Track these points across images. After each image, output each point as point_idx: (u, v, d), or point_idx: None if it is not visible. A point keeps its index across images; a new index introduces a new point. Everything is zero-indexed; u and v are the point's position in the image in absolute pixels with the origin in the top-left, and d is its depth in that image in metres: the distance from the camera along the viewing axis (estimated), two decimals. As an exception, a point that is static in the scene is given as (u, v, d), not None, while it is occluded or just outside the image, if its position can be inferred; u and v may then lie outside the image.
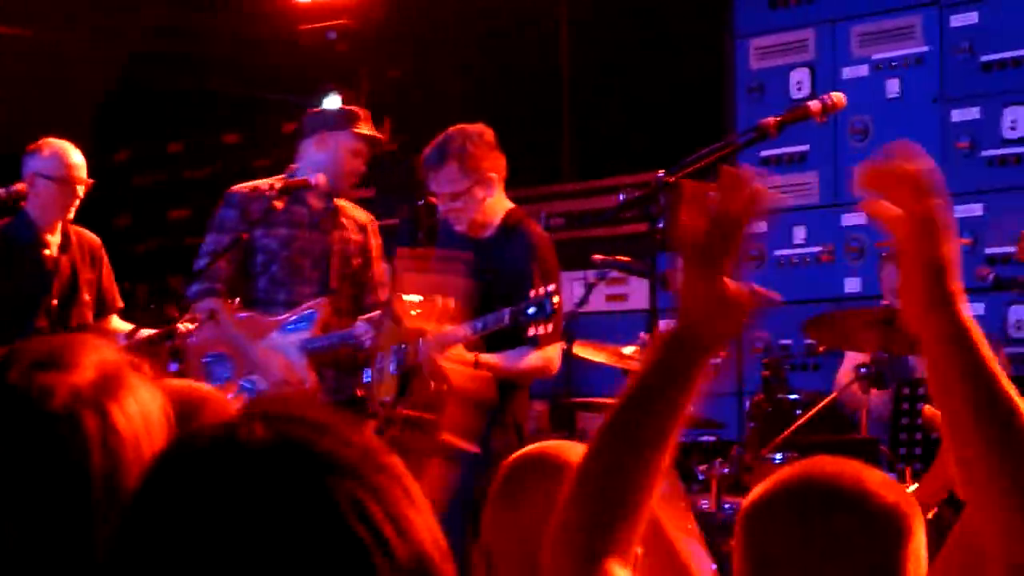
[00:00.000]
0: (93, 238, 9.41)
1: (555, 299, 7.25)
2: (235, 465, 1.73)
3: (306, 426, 1.79)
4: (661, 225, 7.08)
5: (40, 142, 9.19)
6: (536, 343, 7.54)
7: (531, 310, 7.32)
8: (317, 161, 8.79)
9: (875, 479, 2.89)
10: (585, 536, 2.79)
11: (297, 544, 1.70)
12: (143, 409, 2.40)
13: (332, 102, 11.53)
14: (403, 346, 7.76)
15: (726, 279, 2.78)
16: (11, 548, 2.29)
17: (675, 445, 2.80)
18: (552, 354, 7.91)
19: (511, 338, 7.63)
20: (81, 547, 2.16)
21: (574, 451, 3.81)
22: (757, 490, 2.93)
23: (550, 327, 7.34)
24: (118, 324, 9.35)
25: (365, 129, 8.86)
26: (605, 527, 2.77)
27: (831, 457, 2.96)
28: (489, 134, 8.03)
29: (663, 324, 3.02)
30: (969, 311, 2.75)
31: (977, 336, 2.71)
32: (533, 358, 7.81)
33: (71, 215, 9.13)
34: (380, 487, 1.76)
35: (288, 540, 1.70)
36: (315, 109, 9.31)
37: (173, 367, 8.13)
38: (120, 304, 9.49)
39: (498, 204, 8.08)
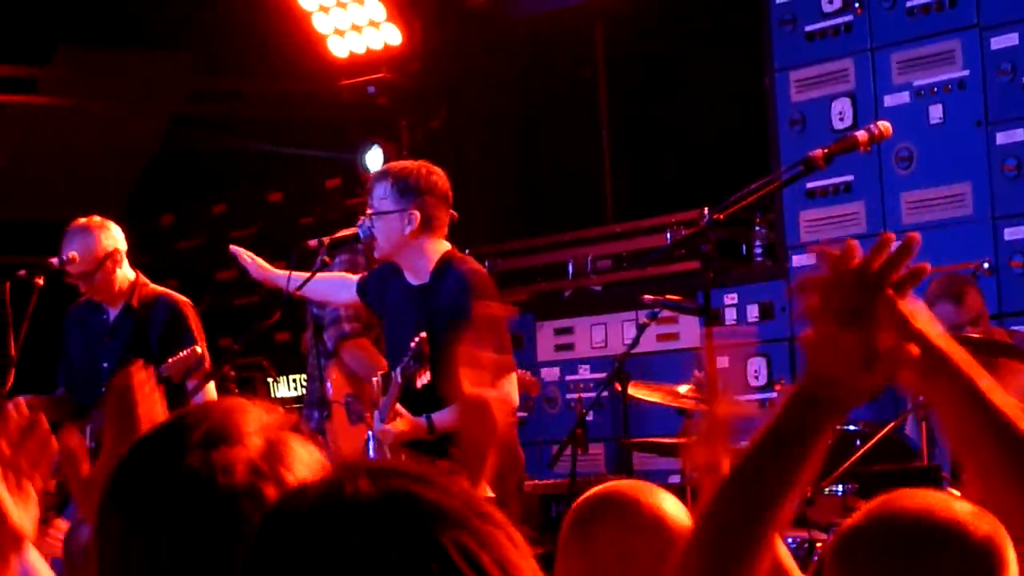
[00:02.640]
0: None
1: (424, 347, 7.20)
2: (344, 521, 1.79)
3: (408, 479, 1.83)
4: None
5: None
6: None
7: (411, 362, 7.26)
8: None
9: (966, 511, 2.87)
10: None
11: None
12: (308, 470, 2.41)
13: (374, 156, 11.54)
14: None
15: (875, 335, 2.74)
16: None
17: (797, 497, 2.78)
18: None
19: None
20: None
21: (643, 491, 3.81)
22: (847, 525, 2.93)
23: (427, 375, 7.26)
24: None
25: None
26: (724, 568, 2.76)
27: (919, 490, 2.95)
28: (444, 182, 7.87)
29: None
30: (968, 362, 2.75)
31: (985, 386, 2.72)
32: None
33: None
34: (486, 534, 1.80)
35: None
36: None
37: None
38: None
39: (434, 247, 7.88)
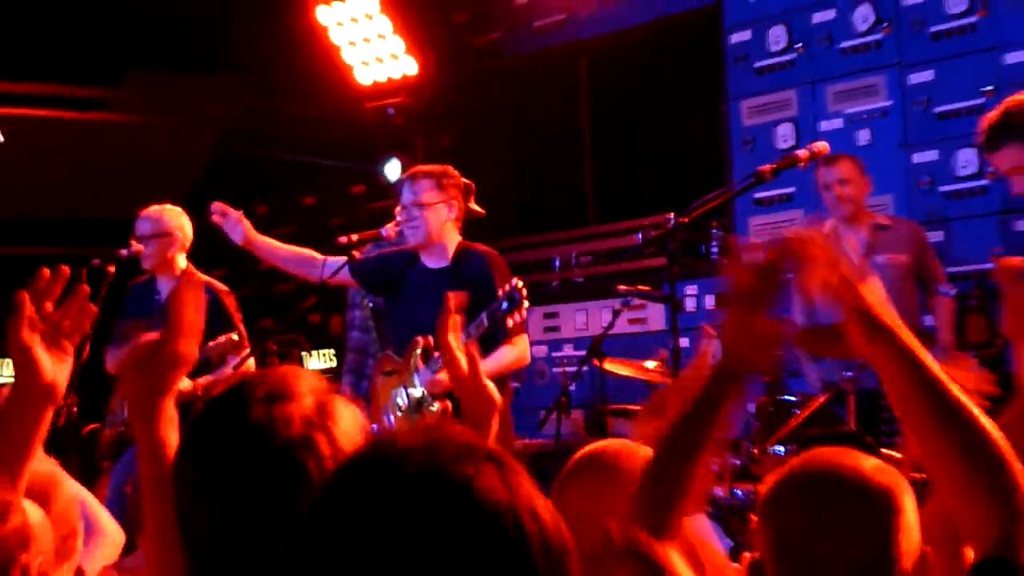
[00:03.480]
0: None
1: (523, 290, 7.16)
2: (395, 484, 1.81)
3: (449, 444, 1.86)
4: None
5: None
6: (507, 336, 7.49)
7: (504, 304, 7.23)
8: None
9: (870, 465, 2.89)
10: (649, 511, 2.87)
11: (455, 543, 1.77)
12: (352, 425, 2.44)
13: (393, 167, 11.57)
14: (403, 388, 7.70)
15: (765, 319, 2.87)
16: (254, 541, 2.35)
17: (717, 451, 2.89)
18: (523, 345, 7.64)
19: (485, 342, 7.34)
20: None
21: (626, 451, 3.85)
22: (773, 478, 2.94)
23: (524, 314, 7.24)
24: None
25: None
26: (662, 517, 2.86)
27: (834, 448, 2.97)
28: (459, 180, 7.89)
29: (712, 347, 3.05)
30: (909, 336, 2.79)
31: (922, 355, 2.75)
32: (511, 352, 7.66)
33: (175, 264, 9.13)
34: (516, 483, 1.84)
35: (446, 538, 1.77)
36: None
37: None
38: None
39: (452, 235, 7.85)
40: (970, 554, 2.77)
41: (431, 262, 7.86)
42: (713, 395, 2.90)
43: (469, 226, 8.22)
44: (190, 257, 9.22)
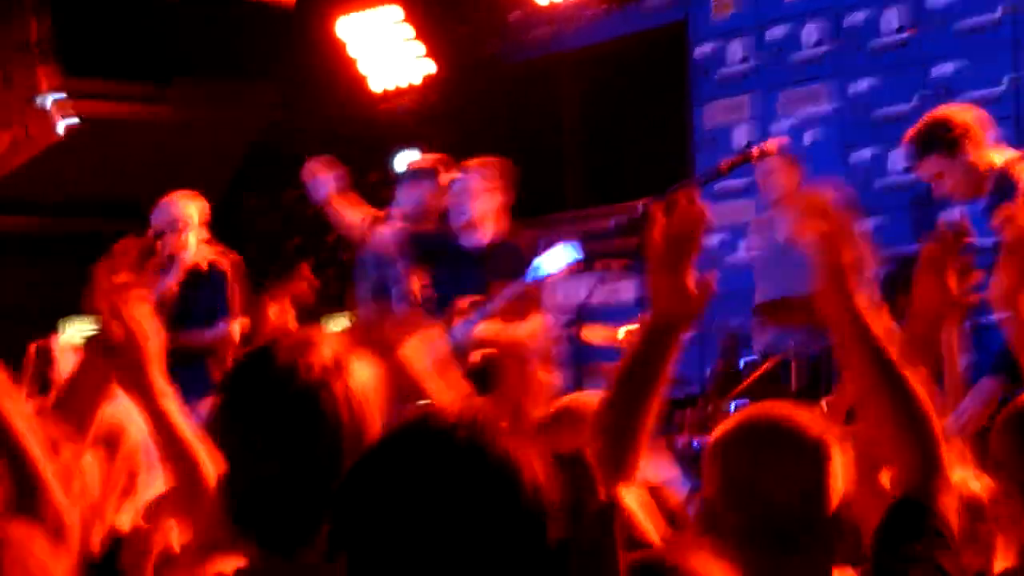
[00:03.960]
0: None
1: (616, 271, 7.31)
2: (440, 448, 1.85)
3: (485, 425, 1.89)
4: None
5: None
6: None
7: (602, 276, 7.39)
8: (406, 204, 8.78)
9: (804, 417, 2.88)
10: (601, 464, 2.89)
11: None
12: (366, 378, 2.47)
13: (402, 160, 11.56)
14: None
15: (685, 277, 2.86)
16: (280, 480, 2.39)
17: (663, 397, 2.89)
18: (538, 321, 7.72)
19: None
20: (332, 478, 2.14)
21: (593, 403, 3.88)
22: (720, 428, 2.94)
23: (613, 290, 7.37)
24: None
25: (445, 178, 8.87)
26: (617, 457, 2.89)
27: (772, 402, 2.98)
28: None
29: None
30: (865, 302, 2.79)
31: (874, 322, 2.75)
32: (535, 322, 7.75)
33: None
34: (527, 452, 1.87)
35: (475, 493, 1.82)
36: (411, 163, 9.30)
37: None
38: None
39: (491, 221, 8.01)
40: (885, 480, 2.80)
41: (471, 242, 7.96)
42: (648, 350, 2.89)
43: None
44: (224, 236, 9.16)
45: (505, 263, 7.65)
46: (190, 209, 9.08)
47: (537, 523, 1.82)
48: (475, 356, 7.51)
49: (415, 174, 8.91)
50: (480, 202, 7.91)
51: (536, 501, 1.83)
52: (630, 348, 2.94)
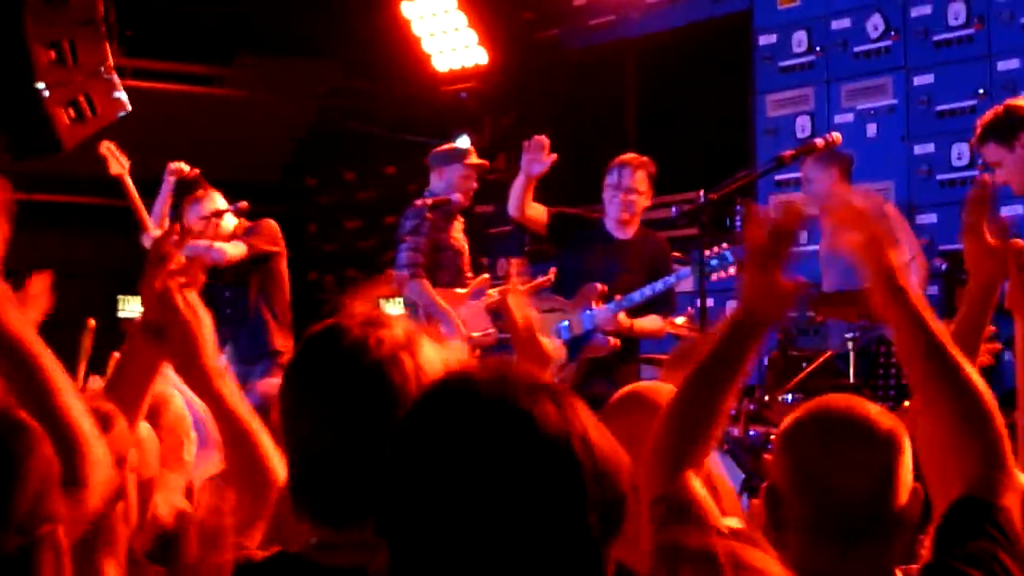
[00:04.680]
0: None
1: (734, 255, 7.47)
2: (466, 410, 1.83)
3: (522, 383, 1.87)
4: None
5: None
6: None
7: (715, 261, 7.52)
8: (439, 188, 8.90)
9: (875, 410, 2.87)
10: (673, 452, 2.89)
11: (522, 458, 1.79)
12: (434, 355, 2.48)
13: (463, 141, 11.57)
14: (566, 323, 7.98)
15: (778, 276, 2.88)
16: (345, 454, 2.39)
17: (738, 391, 2.92)
18: (661, 327, 8.15)
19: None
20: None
21: (659, 390, 3.87)
22: (789, 419, 2.93)
23: (732, 270, 7.52)
24: None
25: (473, 159, 8.99)
26: (687, 447, 2.89)
27: (843, 394, 2.97)
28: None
29: (729, 305, 3.06)
30: (922, 298, 2.82)
31: (929, 317, 2.79)
32: (654, 323, 7.99)
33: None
34: (571, 414, 1.84)
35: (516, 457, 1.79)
36: (435, 150, 9.31)
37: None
38: None
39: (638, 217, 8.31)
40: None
41: (619, 233, 8.26)
42: (731, 344, 2.91)
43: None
44: (285, 214, 9.25)
45: (649, 255, 7.87)
46: (213, 197, 9.27)
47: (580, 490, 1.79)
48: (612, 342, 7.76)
49: (446, 157, 9.00)
50: (642, 198, 8.15)
51: (581, 465, 1.79)
52: (711, 340, 2.96)
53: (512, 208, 8.43)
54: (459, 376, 1.89)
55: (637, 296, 7.90)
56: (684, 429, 2.90)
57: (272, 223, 9.49)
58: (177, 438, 4.00)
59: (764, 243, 2.89)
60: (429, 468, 1.81)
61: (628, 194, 8.13)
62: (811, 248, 9.45)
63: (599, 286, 7.94)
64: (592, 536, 1.79)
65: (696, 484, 2.85)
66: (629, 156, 8.31)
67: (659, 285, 7.75)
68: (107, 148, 9.42)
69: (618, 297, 8.01)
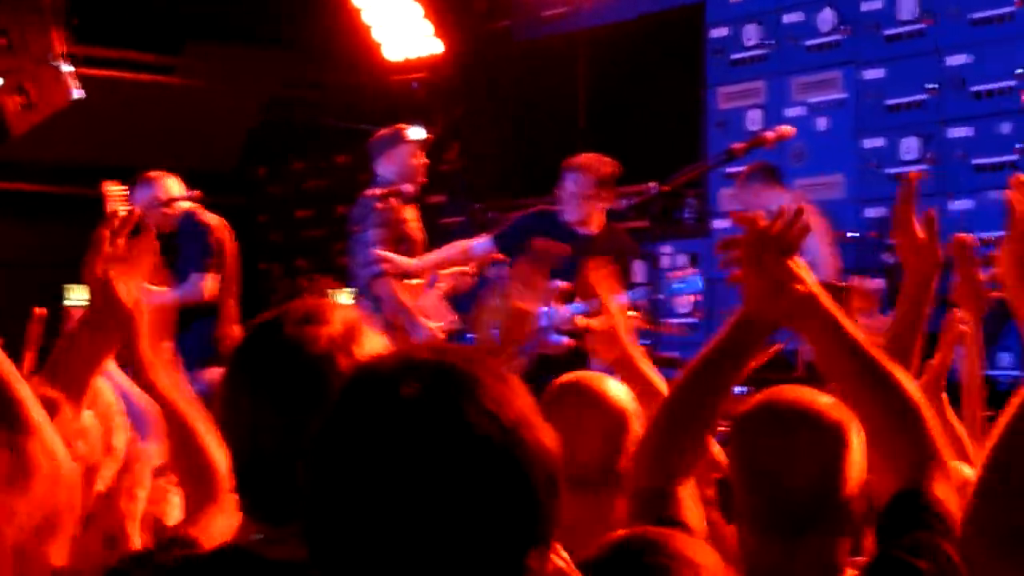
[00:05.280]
0: None
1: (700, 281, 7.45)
2: (407, 376, 1.74)
3: (454, 352, 1.80)
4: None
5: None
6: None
7: (674, 286, 7.48)
8: (391, 172, 8.86)
9: (825, 402, 2.87)
10: (662, 452, 2.89)
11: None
12: (377, 348, 2.41)
13: (417, 132, 11.54)
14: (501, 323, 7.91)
15: (782, 281, 2.85)
16: (280, 451, 2.31)
17: (730, 394, 2.91)
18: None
19: None
20: None
21: (602, 380, 3.87)
22: (742, 409, 2.92)
23: (699, 297, 7.51)
24: None
25: (410, 135, 8.97)
26: (677, 447, 2.88)
27: (795, 386, 2.96)
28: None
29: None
30: (832, 301, 2.81)
31: (841, 319, 2.78)
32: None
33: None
34: (501, 388, 1.76)
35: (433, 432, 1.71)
36: (371, 140, 9.25)
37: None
38: None
39: (598, 214, 8.27)
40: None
41: (583, 229, 8.22)
42: (733, 344, 2.91)
43: (478, 185, 8.36)
44: (235, 205, 9.17)
45: (616, 251, 7.85)
46: (169, 184, 9.16)
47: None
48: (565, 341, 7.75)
49: (389, 141, 8.96)
50: (593, 200, 8.17)
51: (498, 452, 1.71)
52: (709, 342, 2.95)
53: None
54: (370, 370, 1.82)
55: (599, 303, 7.85)
56: (676, 428, 2.91)
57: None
58: (107, 425, 3.98)
59: (758, 246, 2.87)
60: (339, 467, 1.74)
61: (574, 199, 8.11)
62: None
63: (561, 284, 7.91)
64: (514, 533, 1.72)
65: (685, 490, 2.86)
66: (578, 159, 8.27)
67: (636, 294, 7.70)
68: (109, 190, 9.19)
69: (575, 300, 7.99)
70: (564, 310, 7.86)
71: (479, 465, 1.70)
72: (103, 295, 3.00)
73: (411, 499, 1.68)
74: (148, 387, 2.96)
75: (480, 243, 8.34)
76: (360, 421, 1.75)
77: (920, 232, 3.53)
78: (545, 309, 7.94)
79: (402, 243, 8.82)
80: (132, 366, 2.97)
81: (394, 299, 8.51)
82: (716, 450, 3.49)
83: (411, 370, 1.75)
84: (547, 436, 1.78)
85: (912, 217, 3.56)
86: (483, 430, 1.71)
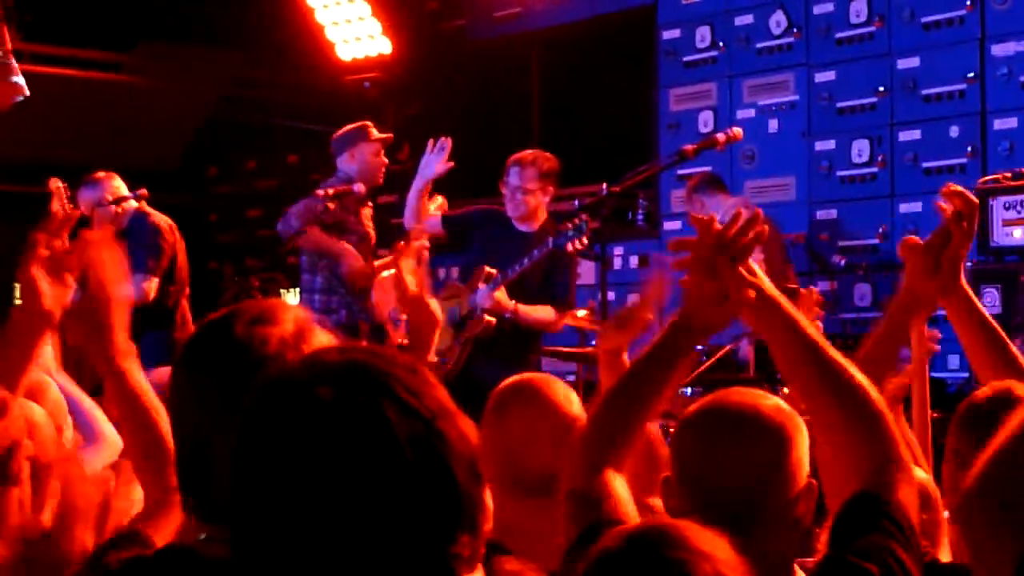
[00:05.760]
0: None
1: (589, 223, 7.37)
2: (319, 378, 1.73)
3: (365, 352, 1.79)
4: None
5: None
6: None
7: (571, 232, 7.43)
8: (352, 170, 8.88)
9: (768, 404, 2.86)
10: (595, 451, 2.88)
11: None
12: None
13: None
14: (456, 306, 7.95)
15: (727, 286, 2.86)
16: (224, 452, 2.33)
17: (666, 394, 2.91)
18: (551, 314, 7.98)
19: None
20: None
21: (549, 383, 3.86)
22: (687, 412, 2.92)
23: (585, 242, 7.43)
24: None
25: (376, 133, 9.00)
26: (609, 446, 2.88)
27: (742, 389, 2.95)
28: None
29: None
30: (790, 306, 2.83)
31: (803, 323, 2.80)
32: (545, 312, 7.92)
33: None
34: (417, 381, 1.75)
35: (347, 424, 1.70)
36: (337, 134, 9.24)
37: None
38: None
39: (542, 210, 8.17)
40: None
41: (523, 227, 8.11)
42: (667, 349, 2.91)
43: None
44: (184, 205, 9.15)
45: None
46: (115, 183, 9.15)
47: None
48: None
49: (353, 137, 8.99)
50: (533, 196, 8.05)
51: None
52: (647, 346, 2.95)
53: (409, 219, 8.39)
54: (282, 375, 1.80)
55: (510, 272, 7.88)
56: (610, 428, 2.90)
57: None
58: (56, 424, 3.95)
59: (711, 250, 2.87)
60: (261, 474, 1.72)
61: (517, 193, 8.10)
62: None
63: (486, 268, 7.94)
64: (439, 524, 1.71)
65: (617, 483, 2.84)
66: (521, 154, 8.28)
67: (526, 260, 7.74)
68: (57, 187, 9.09)
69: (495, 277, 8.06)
70: (482, 289, 7.90)
71: (400, 459, 1.68)
72: (28, 291, 3.03)
73: (336, 497, 1.67)
74: (118, 376, 2.96)
75: (431, 221, 8.36)
76: (278, 427, 1.73)
77: (944, 267, 3.46)
78: (473, 293, 7.99)
79: (349, 235, 8.85)
80: (103, 356, 2.97)
81: (327, 245, 8.66)
82: (664, 452, 3.49)
83: (324, 371, 1.74)
84: (465, 424, 1.77)
85: (938, 244, 3.47)
86: (401, 425, 1.70)
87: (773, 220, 8.92)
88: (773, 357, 2.87)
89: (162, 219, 9.21)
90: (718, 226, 2.89)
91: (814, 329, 2.82)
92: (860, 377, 2.74)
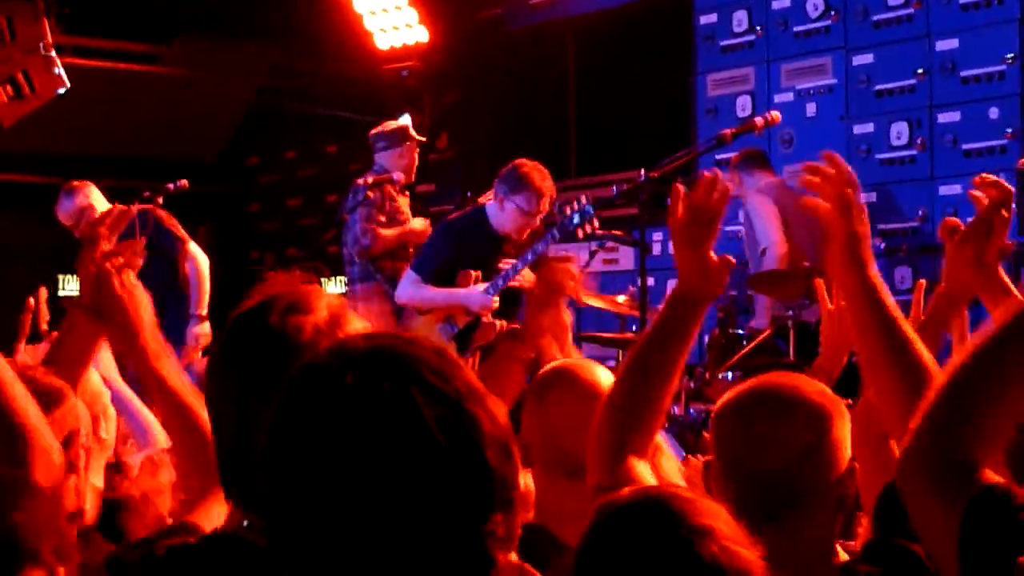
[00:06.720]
0: None
1: (592, 207, 7.34)
2: (345, 363, 1.76)
3: (391, 337, 1.81)
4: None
5: None
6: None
7: (576, 219, 7.38)
8: (391, 166, 8.95)
9: (810, 387, 2.88)
10: (616, 438, 2.88)
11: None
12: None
13: (404, 118, 11.51)
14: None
15: (707, 253, 2.93)
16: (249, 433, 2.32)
17: (680, 371, 2.93)
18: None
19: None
20: None
21: (585, 367, 3.85)
22: (728, 395, 2.94)
23: (596, 224, 7.40)
24: None
25: (415, 135, 9.09)
26: (629, 431, 2.87)
27: (786, 372, 2.97)
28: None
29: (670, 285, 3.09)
30: (877, 272, 2.84)
31: (883, 290, 2.83)
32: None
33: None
34: (448, 366, 1.76)
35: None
36: (375, 130, 9.32)
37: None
38: None
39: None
40: (895, 447, 2.79)
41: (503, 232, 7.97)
42: (671, 323, 2.93)
43: (469, 174, 8.35)
44: (227, 194, 9.19)
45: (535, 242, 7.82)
46: (93, 194, 9.21)
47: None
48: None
49: (399, 137, 9.06)
50: (531, 220, 7.93)
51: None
52: (651, 322, 2.98)
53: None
54: (312, 365, 1.81)
55: (511, 272, 7.75)
56: (627, 415, 2.90)
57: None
58: (94, 416, 3.97)
59: (686, 220, 2.94)
60: (295, 465, 1.74)
61: (533, 218, 7.90)
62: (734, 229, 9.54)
63: (472, 272, 7.83)
64: (472, 504, 1.72)
65: (643, 470, 2.84)
66: (528, 175, 7.97)
67: (528, 256, 7.61)
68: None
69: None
70: (482, 296, 7.83)
71: (429, 442, 1.70)
72: (97, 288, 3.01)
73: (367, 482, 1.69)
74: (152, 376, 2.96)
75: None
76: (307, 416, 1.75)
77: (986, 259, 3.29)
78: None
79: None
80: (133, 356, 2.97)
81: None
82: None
83: (350, 358, 1.76)
84: (494, 404, 1.78)
85: (981, 232, 3.26)
86: (429, 407, 1.71)
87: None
88: (848, 313, 2.92)
89: (172, 219, 9.28)
90: (683, 198, 2.95)
91: (892, 299, 2.85)
92: (928, 357, 2.77)
